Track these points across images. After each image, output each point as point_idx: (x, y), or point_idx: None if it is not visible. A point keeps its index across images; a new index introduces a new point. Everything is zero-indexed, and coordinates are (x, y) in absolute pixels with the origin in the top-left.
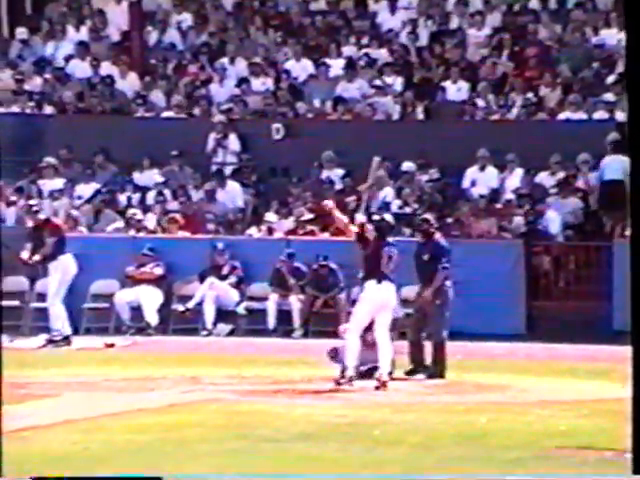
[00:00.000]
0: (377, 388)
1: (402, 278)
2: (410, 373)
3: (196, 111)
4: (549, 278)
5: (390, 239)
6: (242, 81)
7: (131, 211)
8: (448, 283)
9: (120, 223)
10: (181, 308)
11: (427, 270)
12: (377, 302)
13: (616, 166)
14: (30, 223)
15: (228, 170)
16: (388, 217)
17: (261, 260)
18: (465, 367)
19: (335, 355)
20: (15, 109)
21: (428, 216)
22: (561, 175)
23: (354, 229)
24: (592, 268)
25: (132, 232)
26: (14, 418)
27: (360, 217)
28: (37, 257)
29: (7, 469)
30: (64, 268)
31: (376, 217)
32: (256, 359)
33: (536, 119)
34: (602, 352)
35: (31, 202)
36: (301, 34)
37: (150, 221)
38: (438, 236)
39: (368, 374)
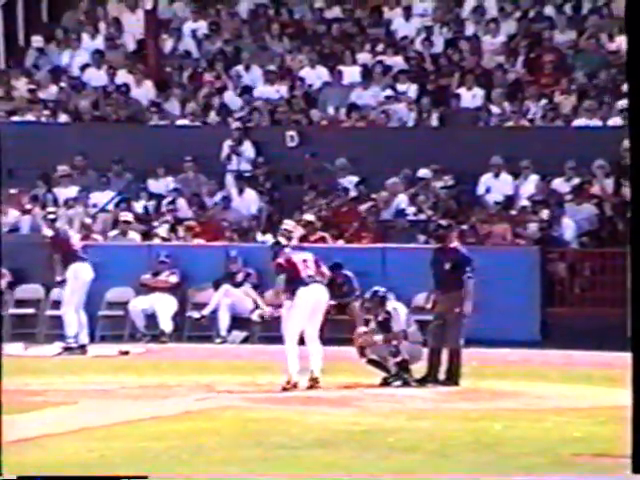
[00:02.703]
0: (309, 387)
1: (413, 287)
2: (422, 381)
3: (211, 118)
4: (564, 284)
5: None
6: (253, 89)
7: (123, 215)
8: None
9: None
10: (196, 315)
11: (449, 279)
12: (309, 307)
13: None
14: (47, 233)
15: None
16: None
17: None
18: (480, 374)
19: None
20: (30, 117)
21: (447, 222)
22: (576, 181)
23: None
24: (607, 274)
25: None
26: (30, 426)
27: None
28: (58, 278)
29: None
30: (75, 275)
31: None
32: (270, 366)
33: (551, 125)
34: (617, 359)
35: (49, 209)
36: (316, 41)
37: (163, 229)
38: (457, 244)
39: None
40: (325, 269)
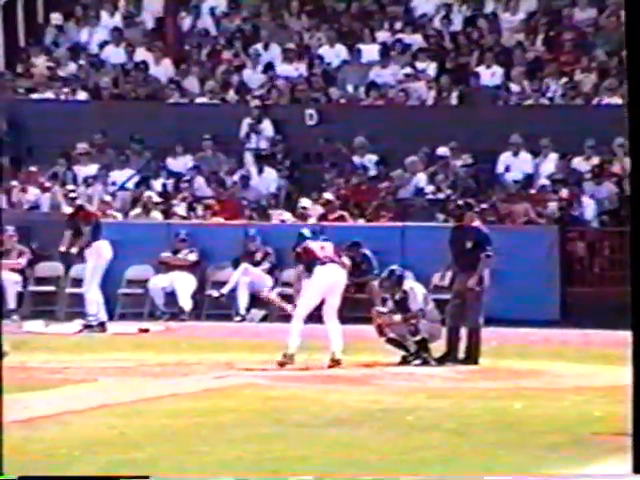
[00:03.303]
0: (330, 366)
1: (432, 265)
2: (441, 359)
3: (230, 96)
4: (584, 264)
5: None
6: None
7: (147, 194)
8: (486, 270)
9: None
10: (215, 294)
11: (469, 257)
12: (325, 284)
13: None
14: (67, 210)
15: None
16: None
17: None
18: (500, 353)
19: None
20: (49, 95)
21: (466, 201)
22: (596, 160)
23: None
24: (627, 254)
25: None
26: (50, 403)
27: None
28: (74, 249)
29: (44, 453)
30: (97, 253)
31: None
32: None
33: (571, 104)
34: None
35: (69, 187)
36: (335, 20)
37: (182, 207)
38: (478, 223)
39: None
40: (346, 259)
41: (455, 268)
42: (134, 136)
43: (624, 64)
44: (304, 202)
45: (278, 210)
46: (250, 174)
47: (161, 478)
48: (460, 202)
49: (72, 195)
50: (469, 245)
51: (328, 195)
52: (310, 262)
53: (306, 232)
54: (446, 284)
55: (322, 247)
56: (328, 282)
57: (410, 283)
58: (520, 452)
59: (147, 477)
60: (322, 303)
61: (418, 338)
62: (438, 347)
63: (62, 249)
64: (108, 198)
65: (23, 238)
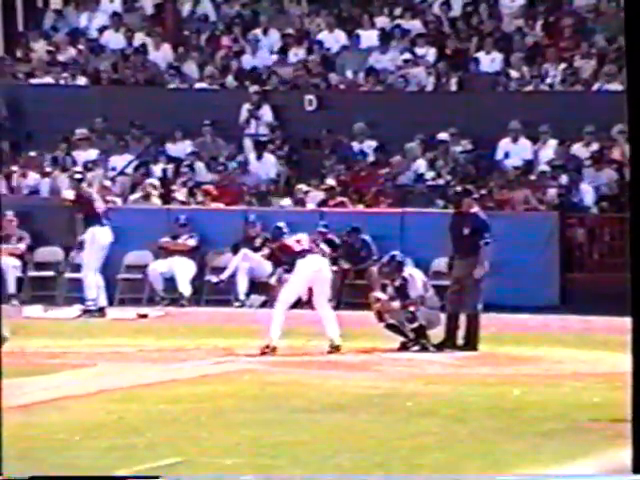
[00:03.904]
0: (330, 352)
1: (432, 251)
2: (440, 346)
3: (229, 82)
4: (583, 250)
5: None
6: (275, 52)
7: (149, 180)
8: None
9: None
10: (214, 279)
11: (468, 244)
12: (307, 276)
13: None
14: (67, 195)
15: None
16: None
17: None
18: (499, 339)
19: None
20: (49, 80)
21: (467, 187)
22: (595, 146)
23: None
24: (627, 240)
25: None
26: (49, 388)
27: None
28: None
29: (42, 438)
30: (92, 239)
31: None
32: (289, 330)
33: (570, 90)
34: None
35: (75, 169)
36: (334, 5)
37: (181, 192)
38: (477, 209)
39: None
40: (324, 246)
41: (454, 254)
42: (133, 121)
43: (622, 51)
44: (303, 187)
45: (283, 199)
46: (249, 159)
47: (172, 478)
48: (459, 188)
49: (77, 177)
50: (467, 231)
51: (330, 181)
52: (289, 258)
53: (282, 225)
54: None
55: (298, 240)
56: (310, 273)
57: (410, 270)
58: (518, 438)
59: (157, 477)
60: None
61: (415, 325)
62: (438, 334)
63: (80, 239)
64: (108, 183)
65: (23, 223)
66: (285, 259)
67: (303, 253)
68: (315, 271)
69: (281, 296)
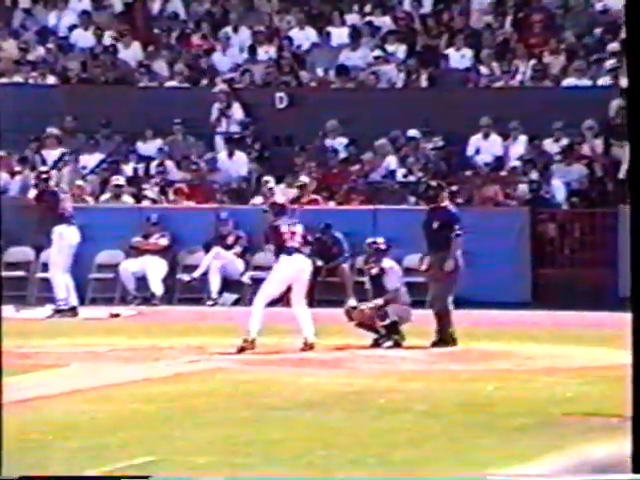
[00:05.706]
0: (303, 350)
1: (404, 248)
2: (435, 344)
3: (200, 80)
4: (554, 245)
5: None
6: (245, 50)
7: (114, 178)
8: (459, 251)
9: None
10: (186, 278)
11: (437, 238)
12: (289, 275)
13: None
14: (30, 195)
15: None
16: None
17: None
18: (471, 335)
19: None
20: (18, 79)
21: (438, 182)
22: (565, 142)
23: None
24: (597, 235)
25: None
26: (21, 388)
27: None
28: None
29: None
30: (59, 238)
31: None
32: (261, 328)
33: (540, 86)
34: (608, 319)
35: (41, 169)
36: (304, 2)
37: (152, 191)
38: (447, 203)
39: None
40: (310, 240)
41: (427, 251)
42: (103, 120)
43: (591, 47)
44: (270, 182)
45: (256, 197)
46: (219, 157)
47: (162, 478)
48: (433, 183)
49: (44, 176)
50: (435, 225)
51: (304, 178)
52: (278, 246)
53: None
54: (424, 268)
55: (292, 232)
56: (293, 272)
57: (390, 262)
58: (491, 434)
59: (147, 477)
60: (289, 290)
61: (387, 322)
62: (409, 330)
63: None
64: (80, 182)
65: None
66: (271, 243)
67: (290, 250)
68: (298, 270)
69: (262, 290)
